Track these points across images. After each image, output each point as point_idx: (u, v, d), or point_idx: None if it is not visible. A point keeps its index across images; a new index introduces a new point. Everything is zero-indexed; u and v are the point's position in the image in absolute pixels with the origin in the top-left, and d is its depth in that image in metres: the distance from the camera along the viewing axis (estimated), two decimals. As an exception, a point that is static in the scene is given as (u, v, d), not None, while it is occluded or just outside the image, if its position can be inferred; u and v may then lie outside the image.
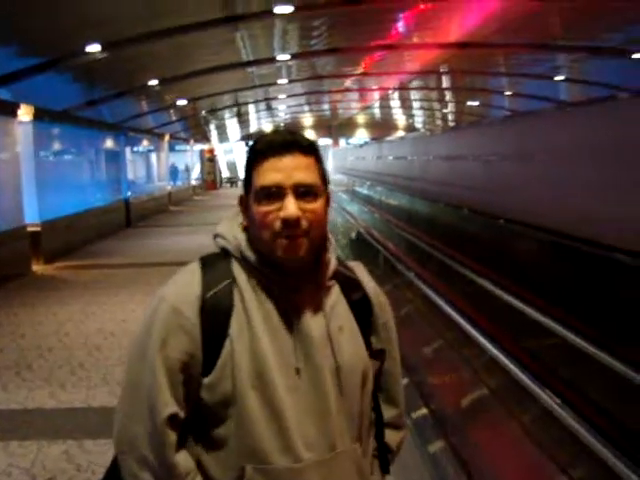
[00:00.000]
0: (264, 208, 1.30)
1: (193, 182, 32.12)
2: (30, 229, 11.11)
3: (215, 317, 1.30)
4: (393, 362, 1.53)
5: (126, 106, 15.31)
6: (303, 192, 1.30)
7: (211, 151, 35.05)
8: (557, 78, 17.81)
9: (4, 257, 9.97)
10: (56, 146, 13.56)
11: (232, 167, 40.93)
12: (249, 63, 13.41)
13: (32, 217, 11.29)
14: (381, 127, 43.60)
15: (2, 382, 5.37)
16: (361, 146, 34.58)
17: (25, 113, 11.14)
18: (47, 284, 9.86)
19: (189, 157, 31.47)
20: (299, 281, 1.35)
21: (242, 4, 8.67)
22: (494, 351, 6.06)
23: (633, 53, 13.11)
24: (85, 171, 15.30)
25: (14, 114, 10.75)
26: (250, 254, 1.35)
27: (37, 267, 11.08)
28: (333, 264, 1.41)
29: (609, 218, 6.86)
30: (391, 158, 22.04)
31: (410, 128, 42.31)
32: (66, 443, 4.17)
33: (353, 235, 8.64)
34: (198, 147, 33.20)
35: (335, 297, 1.41)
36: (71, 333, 6.83)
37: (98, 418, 4.52)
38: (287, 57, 13.72)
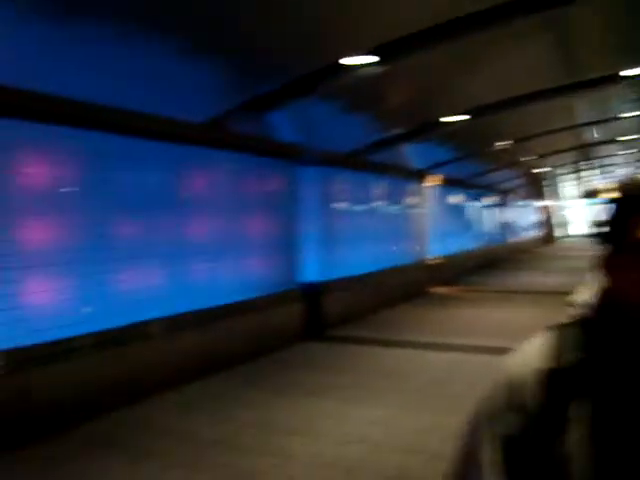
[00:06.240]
0: None
1: (535, 236, 34.68)
2: (428, 262, 15.84)
3: (555, 398, 1.05)
4: None
5: (472, 166, 18.78)
6: None
7: (547, 208, 37.23)
8: None
9: (411, 281, 14.65)
10: (449, 203, 18.55)
11: (563, 224, 42.29)
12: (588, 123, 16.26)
13: (431, 254, 16.07)
14: None
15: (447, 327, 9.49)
16: None
17: (430, 180, 15.97)
18: (442, 299, 14.36)
19: (529, 213, 34.03)
20: None
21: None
22: None
23: None
24: (461, 221, 20.10)
25: (423, 180, 15.65)
26: (612, 326, 1.05)
27: (432, 289, 15.60)
28: None
29: None
30: None
31: None
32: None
33: None
34: (534, 204, 35.31)
35: None
36: (469, 320, 11.36)
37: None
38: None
